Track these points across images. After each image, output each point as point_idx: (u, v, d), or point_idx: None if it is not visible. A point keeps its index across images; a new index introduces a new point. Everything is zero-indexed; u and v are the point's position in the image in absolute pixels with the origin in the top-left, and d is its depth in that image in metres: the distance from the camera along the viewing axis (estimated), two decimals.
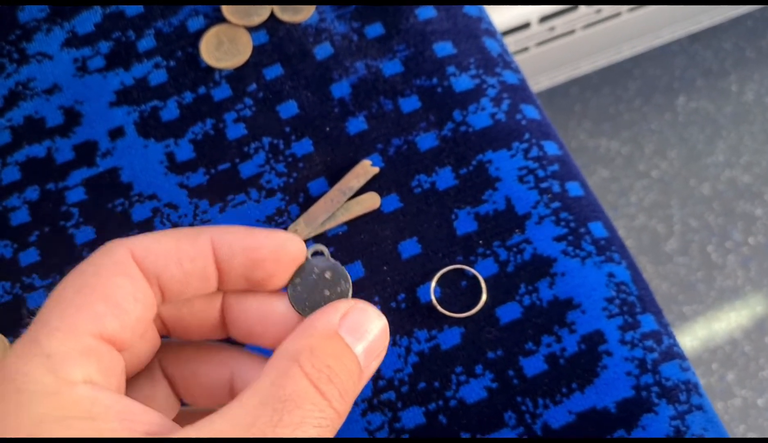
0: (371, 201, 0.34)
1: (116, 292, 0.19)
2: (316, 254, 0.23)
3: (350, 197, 0.34)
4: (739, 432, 0.87)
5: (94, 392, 0.18)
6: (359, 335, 0.20)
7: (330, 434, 0.19)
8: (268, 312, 0.22)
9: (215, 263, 0.20)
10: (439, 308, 0.32)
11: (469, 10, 0.38)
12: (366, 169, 0.34)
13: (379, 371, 0.31)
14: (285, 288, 0.22)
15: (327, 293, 0.22)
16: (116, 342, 0.19)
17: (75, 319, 0.18)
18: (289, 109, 0.36)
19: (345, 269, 0.23)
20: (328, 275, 0.22)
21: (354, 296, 0.27)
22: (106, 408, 0.18)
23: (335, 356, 0.19)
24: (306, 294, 0.22)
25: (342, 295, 0.22)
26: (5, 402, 0.17)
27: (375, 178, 0.34)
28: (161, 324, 0.22)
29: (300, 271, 0.22)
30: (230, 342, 0.24)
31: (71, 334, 0.18)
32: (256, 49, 0.37)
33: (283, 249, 0.21)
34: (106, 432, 0.17)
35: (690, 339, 0.92)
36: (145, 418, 0.18)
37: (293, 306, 0.22)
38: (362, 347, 0.20)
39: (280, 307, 0.22)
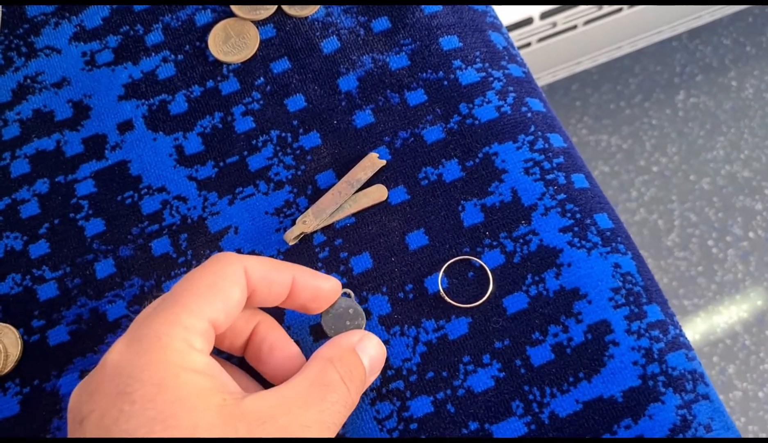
0: (378, 193, 0.34)
1: (231, 296, 0.26)
2: (345, 294, 0.32)
3: (358, 190, 0.34)
4: (740, 424, 0.88)
5: (208, 358, 0.25)
6: (366, 354, 0.29)
7: (348, 413, 0.27)
8: (279, 344, 0.30)
9: (291, 290, 0.29)
10: (446, 298, 0.32)
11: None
12: (373, 161, 0.34)
13: (387, 360, 0.32)
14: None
15: (348, 323, 0.31)
16: (217, 329, 0.26)
17: (204, 308, 0.25)
18: (296, 102, 0.36)
19: (362, 309, 0.32)
20: (351, 311, 0.31)
21: (362, 287, 0.33)
22: (218, 370, 0.25)
23: (354, 364, 0.28)
24: (333, 322, 0.31)
25: (358, 326, 0.31)
26: (153, 352, 0.24)
27: (382, 170, 0.35)
28: None
29: (332, 305, 0.31)
30: (241, 362, 0.31)
31: (200, 317, 0.25)
32: (264, 43, 0.38)
33: (333, 290, 0.30)
34: (224, 383, 0.25)
35: (691, 332, 0.93)
36: (231, 379, 0.26)
37: (323, 327, 0.31)
38: (367, 362, 0.29)
39: (289, 346, 0.30)
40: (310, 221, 0.33)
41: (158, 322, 0.25)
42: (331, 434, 0.26)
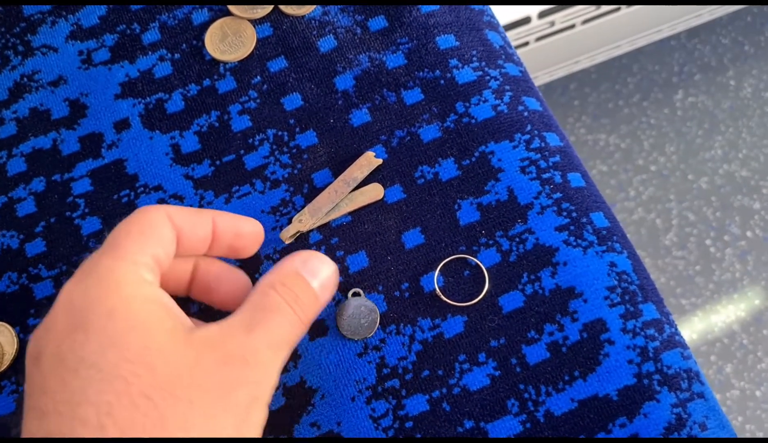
0: (375, 192, 0.34)
1: (164, 235, 0.27)
2: (355, 294, 0.33)
3: (354, 188, 0.34)
4: (737, 423, 0.88)
5: (159, 290, 0.26)
6: (315, 275, 0.28)
7: (298, 331, 0.27)
8: (225, 274, 0.31)
9: (213, 233, 0.29)
10: (442, 297, 0.32)
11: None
12: (369, 160, 0.34)
13: (383, 359, 0.32)
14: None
15: (362, 321, 0.32)
16: (160, 266, 0.27)
17: (144, 247, 0.26)
18: (293, 101, 0.36)
19: (374, 304, 0.32)
20: (363, 308, 0.32)
21: (358, 285, 0.33)
22: (169, 300, 0.26)
23: (299, 286, 0.28)
24: (348, 323, 0.32)
25: (372, 322, 0.32)
26: (104, 284, 0.25)
27: (378, 169, 0.35)
28: None
29: (344, 306, 0.32)
30: (189, 301, 0.33)
31: (143, 254, 0.26)
32: (261, 42, 0.38)
33: (255, 230, 0.31)
34: (175, 313, 0.26)
35: (689, 331, 0.93)
36: (182, 312, 0.27)
37: (339, 330, 0.32)
38: (318, 283, 0.28)
39: (235, 273, 0.31)
40: (306, 220, 0.34)
41: (107, 258, 0.26)
42: (283, 352, 0.26)
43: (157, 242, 0.27)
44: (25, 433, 0.23)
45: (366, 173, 0.34)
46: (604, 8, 0.82)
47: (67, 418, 0.23)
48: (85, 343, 0.24)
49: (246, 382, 0.25)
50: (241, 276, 0.31)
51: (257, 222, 0.31)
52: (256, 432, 0.25)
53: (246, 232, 0.30)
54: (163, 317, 0.25)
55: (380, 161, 0.34)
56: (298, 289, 0.28)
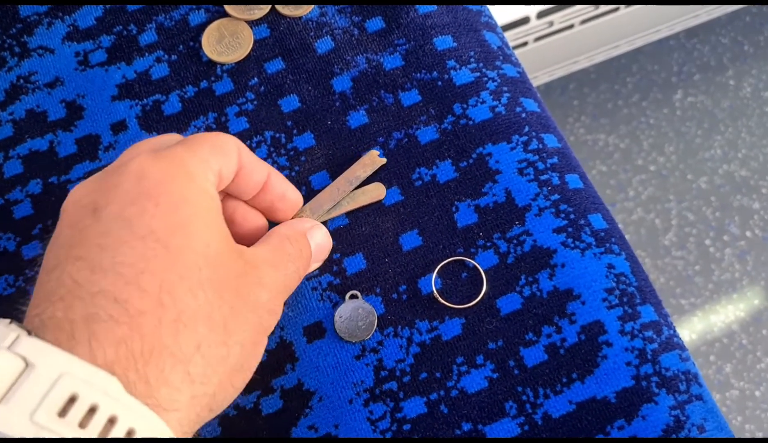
0: (377, 191, 0.34)
1: (231, 159, 0.28)
2: (352, 296, 0.33)
3: (356, 187, 0.34)
4: (737, 423, 0.88)
5: (219, 198, 0.27)
6: (314, 241, 0.31)
7: (297, 283, 0.30)
8: (249, 213, 0.31)
9: (264, 184, 0.30)
10: (440, 299, 0.32)
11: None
12: (373, 159, 0.34)
13: (380, 361, 0.32)
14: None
15: (360, 323, 0.32)
16: (220, 181, 0.28)
17: (216, 156, 0.27)
18: (290, 103, 0.36)
19: (372, 306, 0.33)
20: (360, 310, 0.32)
21: (356, 288, 0.33)
22: (219, 207, 0.27)
23: (304, 245, 0.30)
24: (347, 325, 0.32)
25: (370, 324, 0.32)
26: (179, 169, 0.25)
27: (377, 170, 0.35)
28: None
29: (342, 308, 0.32)
30: None
31: (214, 161, 0.27)
32: (258, 43, 0.38)
33: (297, 198, 0.32)
34: (225, 223, 0.27)
35: (688, 331, 0.93)
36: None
37: (336, 332, 0.32)
38: (314, 247, 0.31)
39: (256, 215, 0.32)
40: (307, 216, 0.33)
41: (183, 150, 0.26)
42: (286, 297, 0.29)
43: (225, 161, 0.28)
44: (66, 277, 0.23)
45: (369, 172, 0.34)
46: (603, 8, 0.82)
47: (125, 280, 0.23)
48: (155, 216, 0.24)
49: (267, 309, 0.27)
50: (261, 218, 0.32)
51: (300, 194, 0.32)
52: (257, 360, 0.27)
53: (290, 197, 0.32)
54: (222, 222, 0.26)
55: (384, 160, 0.34)
56: (303, 246, 0.30)
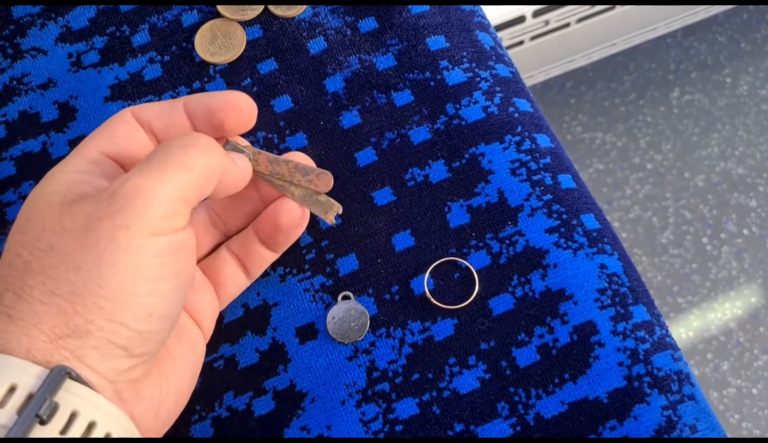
0: (328, 209, 0.32)
1: (116, 131, 0.29)
2: (345, 297, 0.32)
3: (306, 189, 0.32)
4: (734, 421, 0.88)
5: (85, 174, 0.27)
6: (233, 155, 0.30)
7: (199, 158, 0.27)
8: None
9: (187, 116, 0.30)
10: (432, 300, 0.32)
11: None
12: (328, 206, 0.32)
13: (373, 362, 0.32)
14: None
15: (352, 324, 0.32)
16: (118, 161, 0.29)
17: (87, 144, 0.28)
18: (283, 103, 0.36)
19: (364, 307, 0.32)
20: (352, 311, 0.32)
21: (348, 288, 0.33)
22: (95, 179, 0.27)
23: (189, 139, 0.28)
24: (338, 325, 0.32)
25: (362, 325, 0.32)
26: (38, 187, 0.27)
27: (369, 169, 0.35)
28: None
29: (334, 309, 0.32)
30: None
31: (83, 151, 0.28)
32: (250, 44, 0.37)
33: (230, 100, 0.30)
34: (78, 187, 0.26)
35: (685, 329, 0.93)
36: (96, 178, 0.28)
37: (329, 333, 0.32)
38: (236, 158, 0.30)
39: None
40: (261, 161, 0.31)
41: (55, 168, 0.28)
42: (182, 171, 0.26)
43: (107, 139, 0.28)
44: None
45: (321, 195, 0.32)
46: (599, 6, 0.81)
47: None
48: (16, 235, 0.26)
49: (110, 213, 0.24)
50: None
51: (236, 92, 0.30)
52: (135, 259, 0.24)
53: (217, 104, 0.29)
54: (54, 192, 0.26)
55: (332, 222, 0.32)
56: (188, 141, 0.27)
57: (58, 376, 0.23)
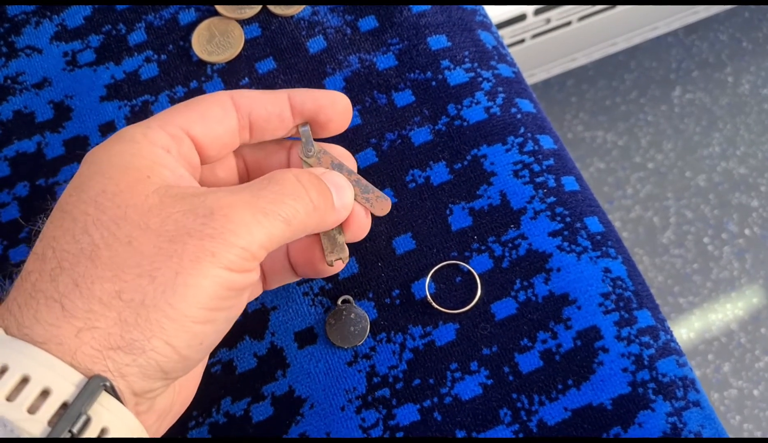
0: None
1: (207, 112, 0.27)
2: (345, 301, 0.32)
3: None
4: (735, 422, 0.88)
5: (168, 154, 0.26)
6: (331, 182, 0.28)
7: (308, 219, 0.26)
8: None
9: (290, 108, 0.29)
10: (433, 304, 0.32)
11: None
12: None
13: (373, 367, 0.31)
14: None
15: (353, 329, 0.31)
16: (198, 144, 0.27)
17: (172, 117, 0.26)
18: None
19: (365, 312, 0.32)
20: (353, 316, 0.32)
21: (349, 292, 0.33)
22: (174, 163, 0.26)
23: (317, 183, 0.27)
24: (339, 331, 0.31)
25: (362, 329, 0.31)
26: (114, 146, 0.25)
27: (369, 171, 0.34)
28: (243, 167, 0.31)
29: (334, 313, 0.32)
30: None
31: (167, 124, 0.26)
32: (249, 43, 0.37)
33: (338, 100, 0.29)
34: (162, 172, 0.25)
35: (686, 330, 0.92)
36: (185, 174, 0.26)
37: (329, 338, 0.31)
38: (334, 188, 0.28)
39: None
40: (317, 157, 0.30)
41: (129, 127, 0.26)
42: (283, 225, 0.24)
43: (197, 115, 0.27)
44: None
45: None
46: (600, 6, 0.81)
47: (32, 255, 0.23)
48: (66, 191, 0.24)
49: (201, 234, 0.23)
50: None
51: (339, 93, 0.29)
52: (208, 288, 0.23)
53: (324, 101, 0.29)
54: (138, 168, 0.24)
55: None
56: (315, 181, 0.27)
57: (95, 388, 0.21)
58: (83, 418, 0.21)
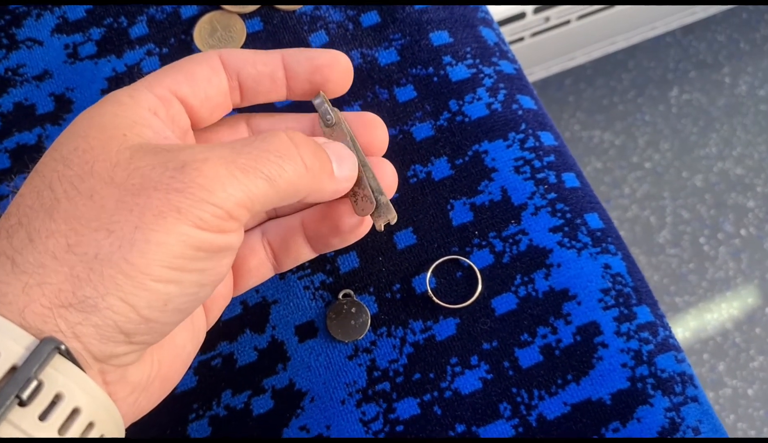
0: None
1: (196, 72, 0.26)
2: (345, 295, 0.32)
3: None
4: (729, 421, 0.88)
5: (154, 116, 0.25)
6: (330, 149, 0.26)
7: (300, 180, 0.24)
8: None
9: (284, 69, 0.27)
10: (434, 298, 0.32)
11: None
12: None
13: (373, 361, 0.31)
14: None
15: (353, 322, 0.32)
16: (187, 105, 0.26)
17: (160, 79, 0.25)
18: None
19: (365, 306, 0.32)
20: (353, 310, 0.32)
21: (350, 286, 0.33)
22: (160, 124, 0.24)
23: (313, 144, 0.25)
24: (339, 324, 0.31)
25: (363, 323, 0.31)
26: (98, 108, 0.24)
27: None
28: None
29: (334, 307, 0.32)
30: None
31: (154, 86, 0.25)
32: (251, 37, 0.37)
33: (336, 58, 0.28)
34: (138, 129, 0.23)
35: (682, 329, 0.93)
36: (165, 129, 0.25)
37: (329, 332, 0.31)
38: (335, 163, 0.26)
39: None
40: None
41: (112, 93, 0.25)
42: (265, 183, 0.23)
43: (182, 77, 0.25)
44: None
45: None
46: (599, 5, 0.81)
47: (2, 216, 0.23)
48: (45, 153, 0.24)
49: (168, 188, 0.21)
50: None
51: (338, 51, 0.28)
52: (172, 246, 0.21)
53: (322, 62, 0.27)
54: (115, 126, 0.23)
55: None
56: (312, 144, 0.25)
57: (47, 351, 0.20)
58: (34, 383, 0.20)
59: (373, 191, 0.27)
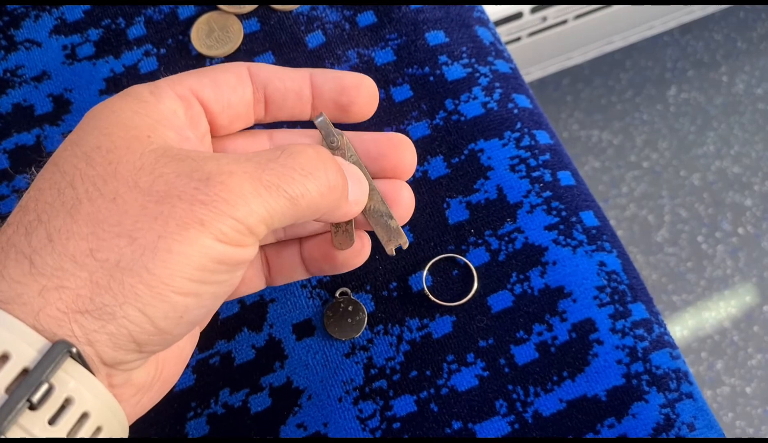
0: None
1: (220, 78, 0.26)
2: (342, 294, 0.32)
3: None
4: (727, 419, 0.88)
5: (175, 115, 0.25)
6: (354, 180, 0.26)
7: (322, 200, 0.24)
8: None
9: (311, 87, 0.27)
10: (430, 296, 0.32)
11: None
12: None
13: (370, 359, 0.31)
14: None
15: (349, 320, 0.32)
16: (208, 110, 0.26)
17: (182, 78, 0.25)
18: None
19: (362, 304, 0.32)
20: (350, 308, 0.32)
21: (347, 284, 0.33)
22: (181, 125, 0.24)
23: (332, 160, 0.25)
24: (336, 321, 0.32)
25: (360, 321, 0.32)
26: (118, 102, 0.24)
27: None
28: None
29: (332, 306, 0.32)
30: None
31: (176, 84, 0.25)
32: (248, 37, 0.37)
33: (362, 81, 0.28)
34: (165, 132, 0.23)
35: (680, 328, 0.93)
36: (198, 145, 0.25)
37: (327, 330, 0.31)
38: (351, 185, 0.26)
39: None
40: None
41: (135, 86, 0.25)
42: (287, 202, 0.23)
43: (208, 80, 0.25)
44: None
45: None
46: (596, 4, 0.81)
47: (16, 208, 0.22)
48: (63, 147, 0.23)
49: (192, 199, 0.21)
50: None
51: (364, 76, 0.28)
52: (193, 257, 0.21)
53: (349, 83, 0.27)
54: (138, 126, 0.23)
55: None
56: (332, 160, 0.25)
57: (59, 354, 0.20)
58: (45, 386, 0.19)
59: (382, 215, 0.27)
